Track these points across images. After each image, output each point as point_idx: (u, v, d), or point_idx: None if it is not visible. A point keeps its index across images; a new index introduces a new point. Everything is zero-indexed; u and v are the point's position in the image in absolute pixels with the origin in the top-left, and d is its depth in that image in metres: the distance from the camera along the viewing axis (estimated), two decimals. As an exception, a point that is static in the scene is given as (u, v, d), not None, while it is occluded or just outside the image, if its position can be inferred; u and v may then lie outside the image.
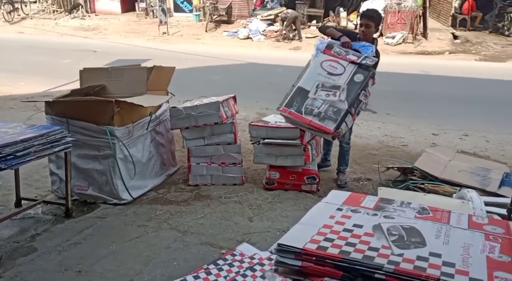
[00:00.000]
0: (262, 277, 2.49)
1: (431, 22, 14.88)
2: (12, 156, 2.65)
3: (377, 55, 3.61)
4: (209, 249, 2.90)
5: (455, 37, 13.76)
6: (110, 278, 2.53)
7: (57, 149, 3.04)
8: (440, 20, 16.26)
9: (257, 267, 2.60)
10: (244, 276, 2.50)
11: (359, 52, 3.50)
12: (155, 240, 2.98)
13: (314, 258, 1.55)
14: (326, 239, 1.65)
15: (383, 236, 1.67)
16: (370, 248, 1.57)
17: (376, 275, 1.44)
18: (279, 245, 1.62)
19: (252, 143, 3.88)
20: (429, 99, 7.56)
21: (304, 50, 12.58)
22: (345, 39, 3.60)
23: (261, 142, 3.76)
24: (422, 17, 13.81)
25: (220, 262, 2.70)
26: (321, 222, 1.80)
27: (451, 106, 7.17)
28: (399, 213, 1.88)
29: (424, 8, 13.61)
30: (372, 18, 3.72)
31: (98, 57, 10.90)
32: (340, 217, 1.86)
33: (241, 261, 2.70)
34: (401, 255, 1.52)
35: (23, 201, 3.49)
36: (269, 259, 2.69)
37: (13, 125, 3.15)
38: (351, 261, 1.49)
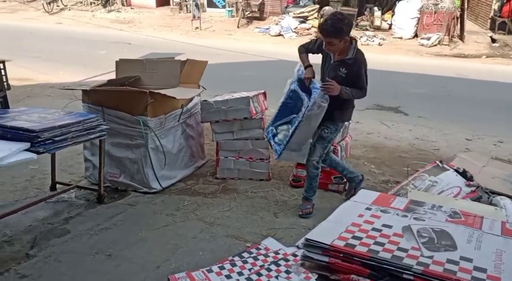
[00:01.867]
0: (287, 272, 2.51)
1: (469, 25, 14.43)
2: (50, 141, 2.77)
3: (358, 54, 3.10)
4: (234, 241, 2.94)
5: (493, 40, 13.28)
6: (139, 264, 2.61)
7: (92, 136, 3.15)
8: (478, 22, 15.73)
9: (282, 262, 2.61)
10: (269, 270, 2.52)
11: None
12: (183, 229, 3.04)
13: (341, 255, 1.55)
14: (354, 237, 1.65)
15: (413, 237, 1.66)
16: (399, 249, 1.56)
17: (405, 276, 1.44)
18: (306, 240, 1.63)
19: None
20: (464, 103, 7.36)
21: (335, 49, 12.43)
22: (307, 74, 3.20)
23: (290, 139, 3.77)
24: (459, 19, 13.41)
25: (245, 255, 2.74)
26: (350, 220, 1.80)
27: (487, 111, 6.94)
28: (429, 216, 1.86)
29: (462, 9, 13.20)
30: (332, 35, 2.98)
31: (132, 49, 11.14)
32: (369, 216, 1.86)
33: (266, 255, 2.72)
34: (431, 257, 1.50)
35: (57, 185, 3.63)
36: (294, 255, 2.70)
37: (51, 111, 3.28)
38: (380, 260, 1.49)
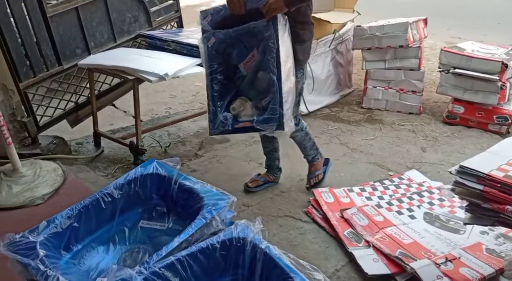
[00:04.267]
0: (430, 203, 2.48)
1: None
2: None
3: None
4: (376, 168, 2.99)
5: None
6: (284, 174, 2.86)
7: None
8: None
9: (425, 194, 2.58)
10: (411, 198, 2.52)
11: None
12: (326, 151, 3.16)
13: (499, 185, 1.49)
14: (517, 171, 1.55)
15: None
16: None
17: None
18: (461, 166, 1.60)
19: (440, 71, 3.61)
20: None
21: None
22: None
23: (450, 71, 3.47)
24: None
25: (387, 182, 2.77)
26: (513, 155, 1.68)
27: None
28: None
29: None
30: None
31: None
32: (537, 154, 1.70)
33: (409, 185, 2.71)
34: None
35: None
36: (439, 189, 2.64)
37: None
38: (545, 195, 1.39)
